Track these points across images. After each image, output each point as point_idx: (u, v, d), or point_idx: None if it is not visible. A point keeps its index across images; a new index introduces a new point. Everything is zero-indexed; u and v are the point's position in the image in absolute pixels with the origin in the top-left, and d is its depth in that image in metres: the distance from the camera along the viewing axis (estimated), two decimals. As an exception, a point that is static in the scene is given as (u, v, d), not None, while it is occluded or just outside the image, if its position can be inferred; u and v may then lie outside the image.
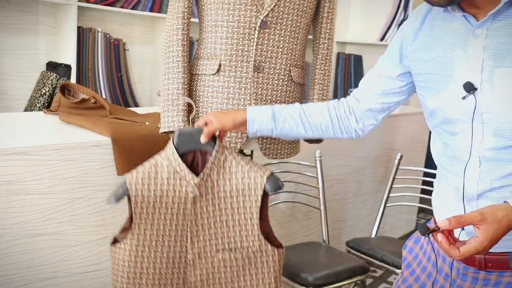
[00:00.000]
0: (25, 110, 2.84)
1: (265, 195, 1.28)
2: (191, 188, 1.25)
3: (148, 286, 1.29)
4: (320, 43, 1.58)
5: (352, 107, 1.31)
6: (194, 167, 1.26)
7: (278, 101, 1.52)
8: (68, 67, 2.83)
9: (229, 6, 1.43)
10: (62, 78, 2.81)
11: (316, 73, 1.59)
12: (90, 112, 1.97)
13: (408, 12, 4.13)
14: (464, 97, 1.04)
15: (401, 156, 2.46)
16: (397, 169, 2.45)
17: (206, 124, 1.26)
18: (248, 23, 1.44)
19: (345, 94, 4.13)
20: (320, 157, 2.28)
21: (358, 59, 4.45)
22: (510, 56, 1.00)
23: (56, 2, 2.73)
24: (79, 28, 2.84)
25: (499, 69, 1.01)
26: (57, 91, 2.03)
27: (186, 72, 1.49)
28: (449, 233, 0.95)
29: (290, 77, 1.53)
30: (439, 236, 0.92)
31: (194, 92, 1.54)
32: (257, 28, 1.44)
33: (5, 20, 2.68)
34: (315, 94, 1.59)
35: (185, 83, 1.48)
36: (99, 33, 2.98)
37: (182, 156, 1.24)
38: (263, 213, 1.29)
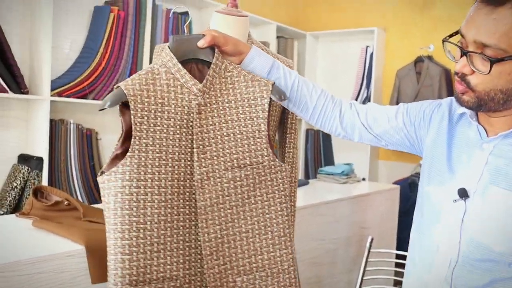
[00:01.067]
0: (-4, 205, 2.82)
1: (269, 105, 1.19)
2: (193, 96, 1.13)
3: (153, 217, 1.09)
4: (286, 152, 1.64)
5: (357, 109, 1.36)
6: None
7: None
8: (40, 160, 2.84)
9: None
10: (34, 171, 2.82)
11: None
12: (63, 214, 1.97)
13: (370, 90, 4.33)
14: (455, 200, 1.11)
15: (372, 239, 2.51)
16: (369, 252, 2.49)
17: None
18: None
19: (316, 171, 4.21)
20: (293, 245, 2.31)
21: (327, 135, 4.59)
22: (506, 178, 1.06)
23: (29, 98, 2.78)
24: (51, 120, 2.88)
25: (493, 187, 1.07)
26: (29, 194, 2.04)
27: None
28: None
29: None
30: None
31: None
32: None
33: (-23, 117, 2.71)
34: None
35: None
36: (71, 124, 3.02)
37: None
38: (268, 128, 1.20)
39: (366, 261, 2.48)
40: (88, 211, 1.99)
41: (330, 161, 4.64)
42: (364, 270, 2.47)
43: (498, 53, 0.97)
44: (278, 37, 4.40)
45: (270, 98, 1.20)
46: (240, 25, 1.56)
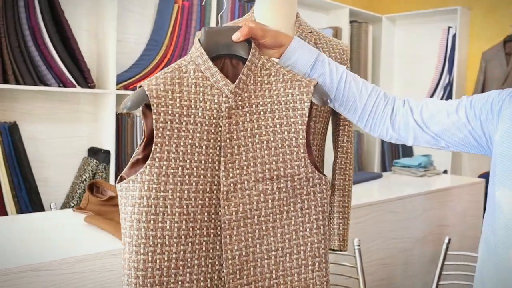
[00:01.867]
0: (67, 196, 2.90)
1: (310, 110, 1.06)
2: (224, 98, 1.01)
3: (173, 231, 0.99)
4: (339, 146, 1.50)
5: (411, 106, 1.16)
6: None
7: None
8: (107, 153, 2.88)
9: None
10: (101, 164, 2.86)
11: (336, 179, 1.50)
12: (116, 209, 1.95)
13: (453, 75, 3.99)
14: None
15: (449, 240, 2.27)
16: (445, 254, 2.26)
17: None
18: None
19: (391, 164, 3.97)
20: (358, 245, 2.14)
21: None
22: None
23: (96, 92, 2.82)
24: (117, 114, 2.91)
25: None
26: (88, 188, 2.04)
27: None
28: None
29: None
30: None
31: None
32: None
33: (46, 111, 2.79)
34: (335, 201, 1.49)
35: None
36: (137, 118, 3.03)
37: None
38: (307, 135, 1.07)
39: (443, 264, 2.25)
40: (141, 207, 1.96)
41: (408, 153, 4.36)
42: (440, 274, 2.24)
43: None
44: (351, 22, 4.17)
45: (312, 101, 1.06)
46: (286, 4, 1.42)
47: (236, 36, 1.03)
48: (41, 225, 1.85)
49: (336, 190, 1.48)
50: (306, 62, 1.10)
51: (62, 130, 2.87)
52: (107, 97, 2.85)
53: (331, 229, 1.47)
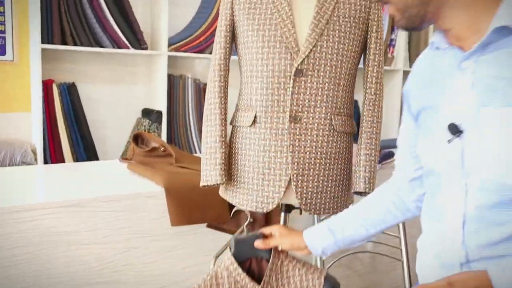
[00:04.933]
0: (122, 154, 3.04)
1: None
2: None
3: None
4: (367, 87, 1.46)
5: (397, 185, 1.17)
6: (251, 274, 1.26)
7: (319, 152, 1.41)
8: (159, 113, 2.97)
9: (263, 56, 1.39)
10: (154, 124, 2.96)
11: (364, 121, 1.47)
12: (159, 160, 2.03)
13: None
14: (449, 140, 0.89)
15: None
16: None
17: (265, 237, 1.24)
18: (283, 72, 1.38)
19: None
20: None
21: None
22: (500, 94, 0.83)
23: (149, 54, 2.90)
24: (169, 75, 2.99)
25: (487, 109, 0.85)
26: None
27: (223, 124, 1.46)
28: None
29: (332, 126, 1.42)
30: None
31: (233, 144, 1.50)
32: (292, 76, 1.37)
33: (103, 72, 2.92)
34: (362, 143, 1.46)
35: (223, 135, 1.46)
36: (189, 79, 3.10)
37: (240, 263, 1.25)
38: None
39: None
40: (180, 157, 2.02)
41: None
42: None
43: None
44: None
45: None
46: None
47: (257, 244, 1.22)
48: (89, 171, 1.96)
49: (363, 132, 1.46)
50: (328, 240, 1.21)
51: (118, 91, 3.00)
52: (159, 59, 2.93)
53: (357, 171, 1.45)
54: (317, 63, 1.38)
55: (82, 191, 1.63)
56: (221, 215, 1.72)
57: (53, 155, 2.67)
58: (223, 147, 1.45)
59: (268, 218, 1.81)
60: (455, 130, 0.89)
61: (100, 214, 1.56)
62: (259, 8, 1.40)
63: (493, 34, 0.85)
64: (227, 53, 1.49)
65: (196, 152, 3.04)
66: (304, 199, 1.42)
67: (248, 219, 1.72)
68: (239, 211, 1.76)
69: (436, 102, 0.96)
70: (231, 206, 1.72)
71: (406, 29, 0.97)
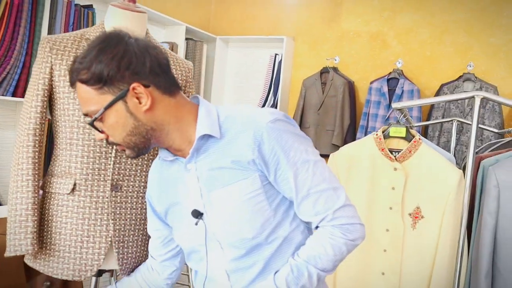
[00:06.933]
0: None
1: None
2: None
3: None
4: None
5: (151, 265, 1.39)
6: None
7: (139, 218, 1.47)
8: None
9: (85, 125, 1.39)
10: None
11: None
12: None
13: (277, 97, 4.37)
14: (196, 223, 1.18)
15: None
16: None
17: None
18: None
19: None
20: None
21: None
22: (218, 179, 1.15)
23: None
24: None
25: (213, 192, 1.15)
26: None
27: (36, 191, 1.39)
28: None
29: (150, 194, 1.49)
30: None
31: (46, 211, 1.44)
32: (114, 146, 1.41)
33: None
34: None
35: (35, 203, 1.38)
36: None
37: None
38: None
39: None
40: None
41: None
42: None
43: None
44: (187, 39, 4.31)
45: None
46: (137, 21, 1.47)
47: None
48: None
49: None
50: None
51: None
52: None
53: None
54: None
55: None
56: (17, 284, 1.59)
57: None
58: (36, 215, 1.37)
59: (66, 281, 1.74)
60: (197, 213, 1.17)
61: None
62: None
63: (199, 141, 1.14)
64: (43, 117, 1.42)
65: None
66: (124, 264, 1.44)
67: (45, 284, 1.64)
68: (35, 275, 1.65)
69: (178, 198, 1.22)
70: (29, 272, 1.60)
71: (136, 157, 1.19)
